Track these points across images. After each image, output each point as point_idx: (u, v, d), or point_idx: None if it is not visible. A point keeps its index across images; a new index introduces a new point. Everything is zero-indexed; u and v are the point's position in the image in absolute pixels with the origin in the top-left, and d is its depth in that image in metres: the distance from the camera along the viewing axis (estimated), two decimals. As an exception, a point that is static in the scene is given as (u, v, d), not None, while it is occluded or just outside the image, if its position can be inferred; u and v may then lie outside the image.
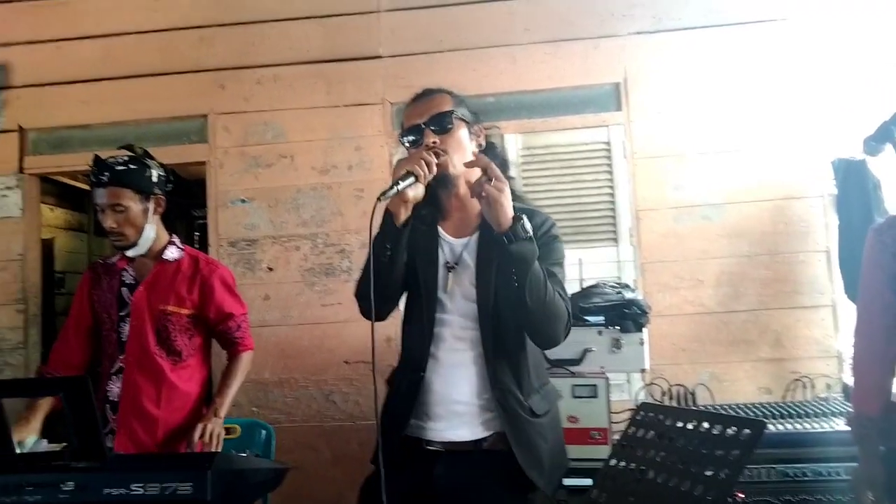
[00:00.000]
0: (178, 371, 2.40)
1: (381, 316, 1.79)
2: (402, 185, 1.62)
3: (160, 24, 3.98)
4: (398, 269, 1.76)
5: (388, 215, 1.70)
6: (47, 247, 5.23)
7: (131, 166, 2.33)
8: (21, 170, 4.00)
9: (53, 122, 4.02)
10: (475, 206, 1.79)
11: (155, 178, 2.39)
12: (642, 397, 3.13)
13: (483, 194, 1.61)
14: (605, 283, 2.87)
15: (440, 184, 1.77)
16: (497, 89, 3.79)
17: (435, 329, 1.82)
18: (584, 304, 2.76)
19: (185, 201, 5.04)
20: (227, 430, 2.88)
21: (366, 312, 1.73)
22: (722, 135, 3.65)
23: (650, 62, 3.72)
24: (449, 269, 1.83)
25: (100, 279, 2.47)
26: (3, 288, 3.92)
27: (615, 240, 3.66)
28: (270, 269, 3.78)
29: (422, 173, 1.64)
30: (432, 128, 1.78)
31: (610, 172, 3.70)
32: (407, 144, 1.84)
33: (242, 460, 1.97)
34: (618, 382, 3.33)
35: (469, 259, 1.82)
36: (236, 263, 3.80)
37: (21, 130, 4.02)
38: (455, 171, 1.77)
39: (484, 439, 1.78)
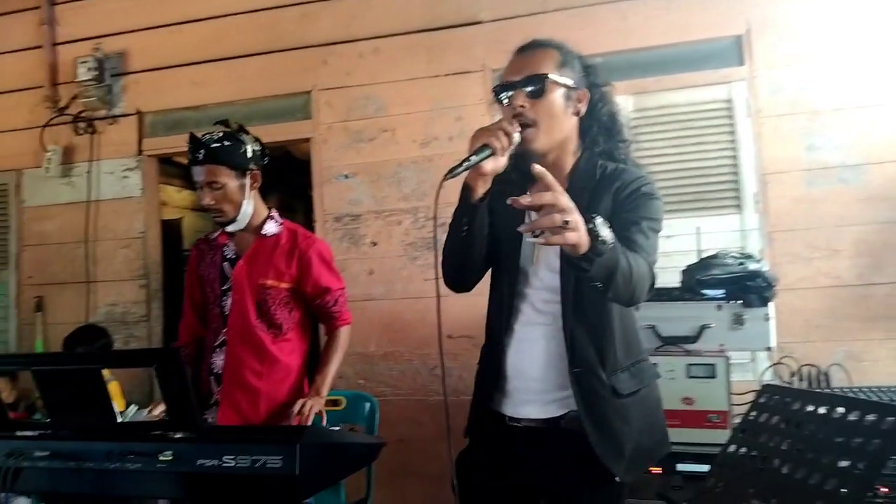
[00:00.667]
0: (279, 344, 2.41)
1: (467, 286, 1.75)
2: (473, 160, 1.49)
3: (266, 3, 4.02)
4: (478, 243, 1.64)
5: (466, 189, 1.58)
6: (175, 226, 5.51)
7: (226, 143, 2.33)
8: (140, 152, 4.18)
9: (168, 104, 4.17)
10: (562, 171, 1.67)
11: (250, 154, 2.38)
12: (768, 378, 2.85)
13: (543, 242, 1.35)
14: (725, 253, 2.62)
15: (521, 159, 1.59)
16: (606, 48, 3.53)
17: (514, 302, 1.72)
18: (702, 277, 2.53)
19: (301, 181, 5.18)
20: (335, 402, 2.95)
21: (450, 284, 1.72)
22: (861, 87, 3.24)
23: (776, 9, 3.36)
24: (536, 235, 1.64)
25: (204, 255, 2.52)
26: (128, 265, 4.13)
27: (738, 206, 3.36)
28: (374, 244, 3.76)
29: (499, 146, 1.50)
30: (525, 90, 1.62)
31: (732, 133, 3.39)
32: (497, 101, 1.70)
33: (334, 434, 1.93)
34: (741, 361, 3.06)
35: None
36: (341, 238, 3.81)
37: (139, 114, 4.20)
38: (541, 146, 1.62)
39: (560, 418, 1.67)
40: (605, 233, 1.35)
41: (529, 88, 1.62)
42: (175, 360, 1.70)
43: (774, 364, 2.83)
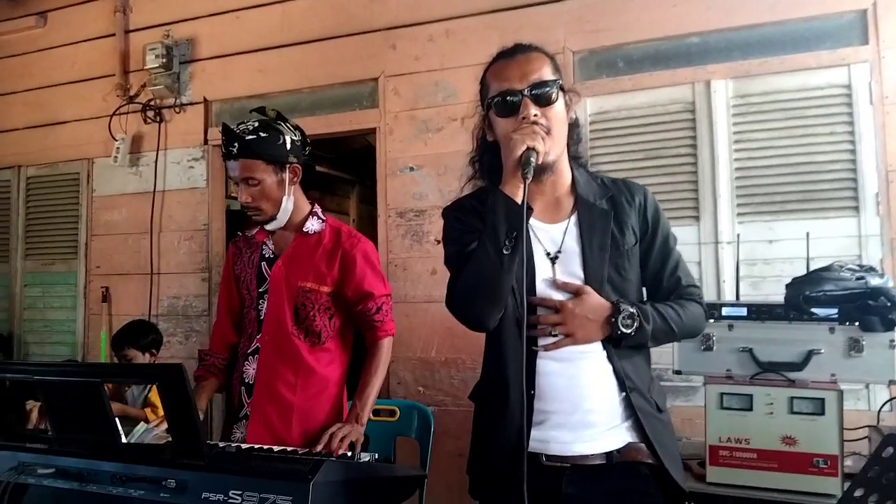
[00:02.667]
0: (317, 354, 2.17)
1: (491, 322, 1.53)
2: (532, 161, 1.41)
3: (333, -15, 3.81)
4: (517, 265, 1.45)
5: (506, 198, 1.44)
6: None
7: (262, 134, 2.09)
8: (206, 141, 4.07)
9: (234, 92, 4.04)
10: (565, 182, 1.62)
11: (289, 146, 2.14)
12: (888, 413, 2.41)
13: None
14: (841, 265, 2.20)
15: (537, 172, 1.47)
16: (704, 27, 3.14)
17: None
18: (812, 293, 2.12)
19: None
20: (389, 413, 2.76)
21: (473, 320, 1.54)
22: None
23: (911, -22, 2.86)
24: (553, 259, 1.57)
25: (242, 253, 2.31)
26: (191, 257, 4.03)
27: (856, 208, 2.89)
28: (438, 242, 3.49)
29: (542, 150, 1.44)
30: (536, 99, 1.49)
31: (850, 123, 2.91)
32: (500, 112, 1.53)
33: (360, 468, 1.66)
34: (853, 388, 2.62)
35: (574, 244, 1.57)
36: (404, 235, 3.56)
37: (206, 102, 4.09)
38: (555, 157, 1.53)
39: (618, 451, 1.53)
40: (627, 316, 1.50)
41: (540, 97, 1.50)
42: (179, 378, 1.49)
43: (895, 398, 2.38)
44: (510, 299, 1.55)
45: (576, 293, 1.52)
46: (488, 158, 1.65)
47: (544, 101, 1.49)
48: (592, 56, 3.34)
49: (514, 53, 1.59)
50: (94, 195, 4.35)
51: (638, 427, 1.53)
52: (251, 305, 2.22)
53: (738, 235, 2.87)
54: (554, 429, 1.53)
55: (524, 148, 1.41)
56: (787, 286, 2.25)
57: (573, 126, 1.64)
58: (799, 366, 2.12)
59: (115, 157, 4.16)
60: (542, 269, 1.57)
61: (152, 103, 4.18)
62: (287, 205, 2.17)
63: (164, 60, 4.03)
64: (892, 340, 2.06)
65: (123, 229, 4.24)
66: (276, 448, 1.90)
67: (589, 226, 1.58)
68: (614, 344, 1.52)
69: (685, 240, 3.08)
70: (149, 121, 4.19)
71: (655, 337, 1.55)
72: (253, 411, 2.14)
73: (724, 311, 2.24)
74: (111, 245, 4.28)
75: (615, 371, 1.53)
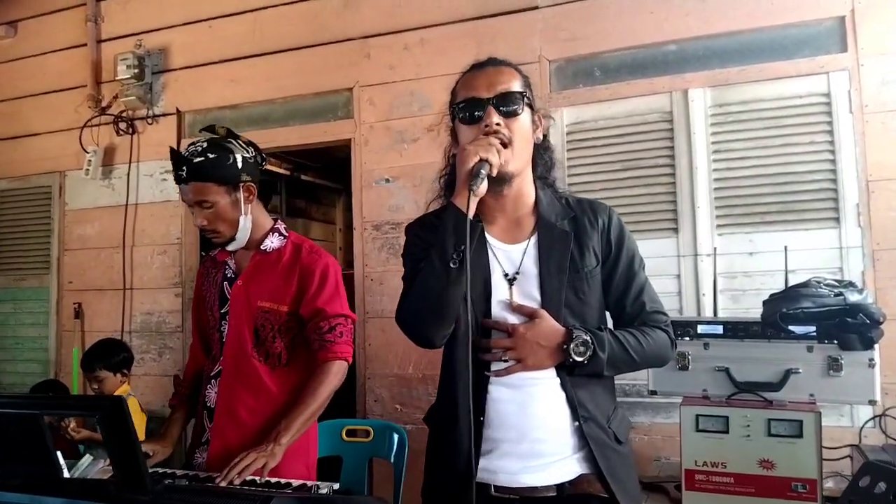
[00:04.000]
0: (278, 376, 2.10)
1: (438, 340, 1.51)
2: (483, 174, 1.37)
3: (306, -8, 3.75)
4: (465, 280, 1.39)
5: (456, 211, 1.41)
6: None
7: (209, 155, 2.00)
8: (179, 153, 3.98)
9: (207, 103, 3.97)
10: (527, 201, 1.58)
11: (240, 164, 2.06)
12: (870, 431, 2.34)
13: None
14: (819, 281, 2.13)
15: (495, 181, 1.47)
16: (681, 34, 3.09)
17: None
18: (789, 310, 2.06)
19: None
20: (365, 433, 2.69)
21: (420, 336, 1.50)
22: None
23: (890, -16, 2.81)
24: (511, 280, 1.53)
25: (208, 274, 2.24)
26: (164, 271, 3.96)
27: (837, 219, 2.83)
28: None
29: (496, 162, 1.40)
30: (500, 108, 1.47)
31: (830, 133, 2.86)
32: (463, 119, 1.51)
33: (314, 502, 1.59)
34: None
35: (532, 265, 1.53)
36: (381, 248, 3.49)
37: (178, 113, 4.01)
38: (514, 169, 1.49)
39: (569, 482, 1.48)
40: (580, 344, 1.45)
41: (504, 107, 1.48)
42: (119, 412, 1.41)
43: (879, 416, 2.31)
44: (463, 320, 1.50)
45: (530, 317, 1.47)
46: (451, 174, 1.62)
47: (508, 112, 1.47)
48: (569, 65, 3.27)
49: (485, 65, 1.57)
50: (67, 209, 4.26)
51: (591, 458, 1.47)
52: (214, 327, 2.15)
53: (716, 248, 2.81)
54: (502, 458, 1.48)
55: (476, 159, 1.38)
56: (764, 303, 2.19)
57: (542, 147, 1.63)
58: (777, 386, 2.06)
59: (87, 169, 4.07)
60: (500, 291, 1.53)
61: (124, 115, 4.10)
62: (245, 224, 2.09)
63: (135, 71, 3.95)
64: (871, 359, 2.00)
65: (96, 243, 4.15)
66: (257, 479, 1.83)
67: (548, 247, 1.54)
68: (567, 371, 1.47)
69: (664, 252, 3.02)
70: (121, 132, 4.11)
71: (614, 365, 1.50)
72: (213, 436, 2.07)
73: (700, 328, 2.17)
74: (84, 260, 4.19)
75: (568, 399, 1.48)
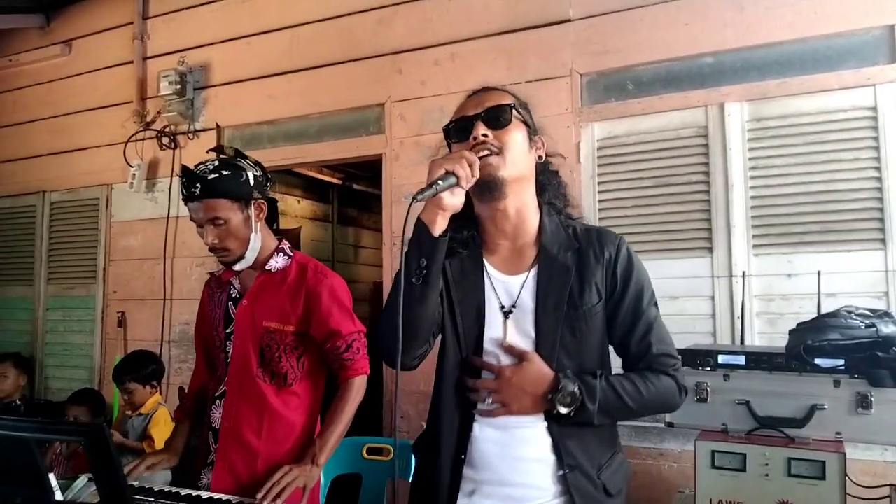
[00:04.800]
0: (284, 397, 2.09)
1: (407, 362, 1.45)
2: (442, 184, 1.29)
3: (341, 10, 3.77)
4: (432, 299, 1.38)
5: (421, 225, 1.35)
6: (295, 235, 5.52)
7: (223, 172, 2.02)
8: (216, 168, 4.06)
9: (245, 118, 4.03)
10: (530, 229, 1.52)
11: (252, 182, 2.07)
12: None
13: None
14: (850, 311, 1.99)
15: (485, 189, 1.43)
16: (718, 47, 2.97)
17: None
18: (815, 342, 1.93)
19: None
20: (378, 451, 2.66)
21: (387, 355, 1.43)
22: None
23: (942, -10, 2.64)
24: (507, 313, 1.45)
25: (213, 294, 2.25)
26: (201, 283, 3.85)
27: (883, 241, 2.66)
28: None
29: (464, 174, 1.31)
30: (488, 121, 1.44)
31: (876, 149, 2.69)
32: (454, 138, 1.49)
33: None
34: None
35: (529, 300, 1.45)
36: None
37: (218, 128, 4.08)
38: (507, 175, 1.43)
39: None
40: (566, 402, 1.37)
41: (491, 119, 1.44)
42: (101, 438, 1.42)
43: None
44: (452, 354, 1.47)
45: (519, 358, 1.41)
46: None
47: (496, 123, 1.43)
48: (601, 78, 3.19)
49: (478, 92, 1.55)
50: (113, 220, 4.40)
51: None
52: (220, 347, 2.16)
53: (743, 272, 2.68)
54: (483, 499, 1.42)
55: (441, 172, 1.30)
56: (790, 332, 2.06)
57: (548, 172, 1.57)
58: (800, 422, 1.93)
59: (132, 182, 4.19)
60: (494, 324, 1.46)
61: (167, 129, 4.20)
62: (255, 243, 2.10)
63: (177, 87, 4.04)
64: (906, 397, 1.86)
65: (139, 255, 4.27)
66: (233, 499, 1.83)
67: (547, 281, 1.46)
68: (555, 420, 1.39)
69: (697, 273, 2.90)
70: (164, 147, 4.22)
71: (607, 414, 1.41)
72: (218, 457, 2.07)
73: (721, 358, 2.06)
74: (128, 270, 4.31)
75: (554, 446, 1.40)
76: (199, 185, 2.01)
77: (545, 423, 1.41)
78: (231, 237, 2.06)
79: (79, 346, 4.47)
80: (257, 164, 2.14)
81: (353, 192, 6.49)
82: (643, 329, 1.47)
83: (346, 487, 2.69)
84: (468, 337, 1.46)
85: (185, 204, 2.07)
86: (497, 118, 1.44)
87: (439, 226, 1.34)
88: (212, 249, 2.08)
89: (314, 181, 5.97)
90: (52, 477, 1.57)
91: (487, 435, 1.43)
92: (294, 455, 2.07)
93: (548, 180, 1.57)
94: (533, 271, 1.47)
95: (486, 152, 1.40)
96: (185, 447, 2.25)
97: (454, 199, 1.33)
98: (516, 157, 1.44)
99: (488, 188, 1.42)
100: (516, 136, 1.45)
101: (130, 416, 3.31)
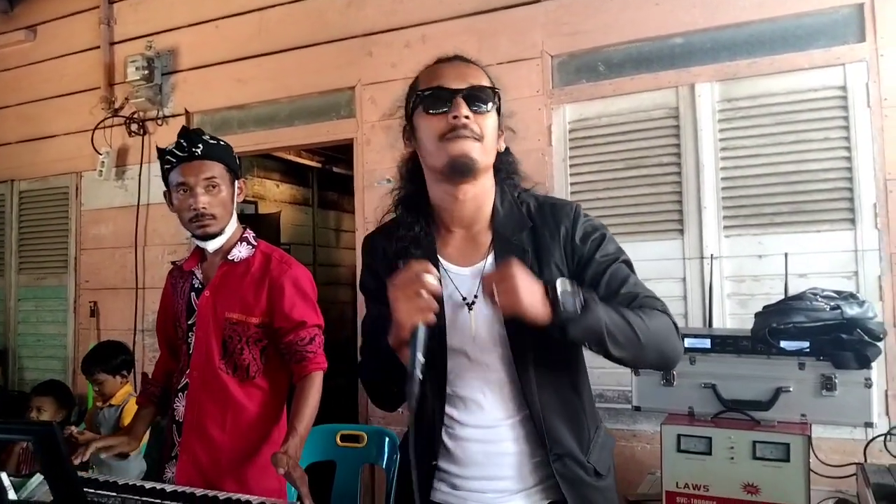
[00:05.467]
0: (247, 389, 2.06)
1: (395, 406, 1.43)
2: (419, 356, 1.15)
3: (310, -10, 3.70)
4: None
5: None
6: (275, 220, 5.49)
7: (221, 143, 2.07)
8: (188, 154, 4.00)
9: (214, 103, 3.97)
10: (485, 212, 1.42)
11: (238, 161, 2.12)
12: (877, 452, 2.19)
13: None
14: (815, 293, 1.99)
15: (456, 172, 1.32)
16: (688, 27, 2.94)
17: (453, 389, 1.38)
18: (780, 324, 1.93)
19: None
20: (355, 438, 2.67)
21: (377, 403, 1.46)
22: None
23: (911, -33, 2.62)
24: (468, 306, 1.36)
25: (175, 284, 2.22)
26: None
27: (852, 220, 2.66)
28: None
29: (430, 317, 1.18)
30: (471, 102, 1.32)
31: (846, 128, 2.68)
32: (427, 107, 1.34)
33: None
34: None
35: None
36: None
37: (187, 114, 4.01)
38: (481, 165, 1.33)
39: None
40: (568, 298, 1.21)
41: (476, 101, 1.32)
42: (51, 437, 1.39)
43: (883, 435, 2.15)
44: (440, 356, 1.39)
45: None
46: (405, 187, 1.51)
47: (478, 106, 1.32)
48: (572, 60, 3.15)
49: (452, 59, 1.44)
50: (83, 209, 4.33)
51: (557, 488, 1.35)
52: (182, 338, 2.13)
53: (712, 255, 2.68)
54: (466, 493, 1.39)
55: (409, 327, 1.17)
56: (756, 315, 2.06)
57: (505, 157, 1.46)
58: (766, 405, 1.93)
59: (101, 170, 4.12)
60: (459, 320, 1.38)
61: (135, 116, 4.13)
62: (234, 220, 2.09)
63: (145, 72, 3.97)
64: (868, 378, 1.86)
65: (111, 243, 4.21)
66: (197, 492, 1.81)
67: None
68: (559, 332, 1.21)
69: (669, 255, 2.90)
70: (133, 134, 4.14)
71: (615, 337, 1.23)
72: (182, 451, 2.05)
73: (687, 342, 2.05)
74: (99, 259, 4.26)
75: (538, 434, 1.34)
76: (201, 145, 2.00)
77: (526, 411, 1.35)
78: (220, 205, 2.03)
79: (52, 337, 4.42)
80: None
81: (332, 175, 6.43)
82: (619, 282, 1.35)
83: (320, 475, 2.69)
84: (431, 337, 1.32)
85: (170, 170, 2.02)
86: (481, 100, 1.33)
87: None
88: (198, 217, 2.00)
89: (293, 165, 5.92)
90: (3, 476, 1.55)
91: (469, 433, 1.38)
92: (261, 448, 2.05)
93: (502, 161, 1.45)
94: (490, 258, 1.39)
95: (467, 135, 1.30)
96: (145, 432, 2.22)
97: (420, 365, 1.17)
98: (492, 145, 1.36)
99: (460, 171, 1.32)
100: (494, 121, 1.36)
101: (101, 407, 3.27)
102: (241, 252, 2.10)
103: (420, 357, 1.15)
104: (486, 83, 1.36)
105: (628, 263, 1.40)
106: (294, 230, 6.11)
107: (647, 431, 2.83)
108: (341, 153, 6.08)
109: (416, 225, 1.41)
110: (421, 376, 1.14)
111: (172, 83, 4.07)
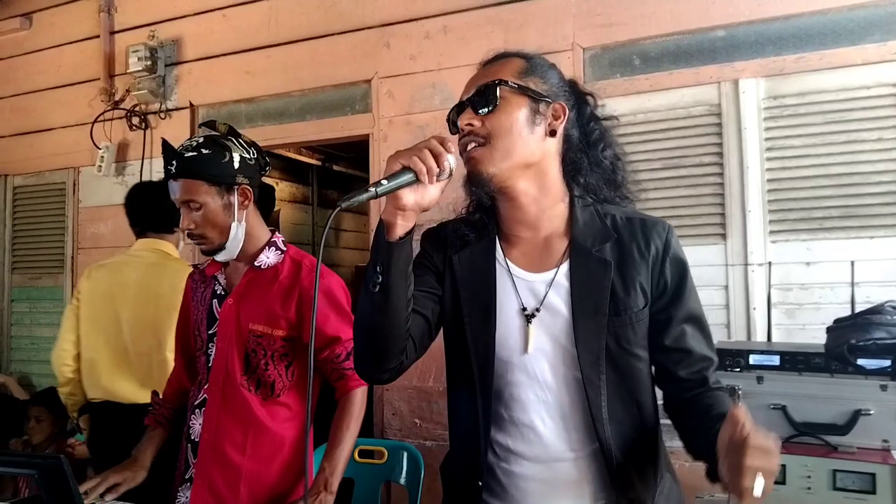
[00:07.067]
0: (271, 408, 1.87)
1: (383, 372, 1.25)
2: (385, 185, 1.08)
3: (324, -23, 3.52)
4: (395, 309, 1.16)
5: (380, 226, 1.15)
6: (274, 218, 5.26)
7: (203, 151, 1.80)
8: (191, 150, 3.81)
9: (220, 96, 3.78)
10: (555, 218, 1.29)
11: (237, 164, 1.84)
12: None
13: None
14: (894, 306, 1.83)
15: (475, 185, 1.24)
16: (730, 19, 2.77)
17: (498, 410, 1.26)
18: (858, 341, 1.76)
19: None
20: (372, 454, 2.49)
21: (360, 369, 1.30)
22: None
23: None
24: (528, 317, 1.24)
25: (196, 289, 2.03)
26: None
27: (908, 226, 2.50)
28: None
29: (423, 169, 1.09)
30: (476, 106, 1.25)
31: (903, 127, 2.53)
32: (452, 132, 1.30)
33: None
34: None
35: (560, 302, 1.23)
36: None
37: (192, 107, 3.82)
38: (495, 170, 1.22)
39: None
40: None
41: (479, 102, 1.24)
42: (58, 471, 1.21)
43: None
44: (460, 369, 1.29)
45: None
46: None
47: (482, 106, 1.23)
48: (605, 53, 2.98)
49: (487, 64, 1.35)
50: (81, 206, 4.13)
51: None
52: (201, 349, 1.94)
53: (770, 262, 2.51)
54: None
55: (396, 167, 1.11)
56: (829, 330, 1.89)
57: (573, 147, 1.30)
58: (843, 429, 1.76)
59: (100, 166, 3.92)
60: (510, 330, 1.25)
61: (137, 109, 3.93)
62: (237, 233, 1.87)
63: (147, 63, 3.77)
64: (958, 402, 1.70)
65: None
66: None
67: (582, 280, 1.24)
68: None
69: (710, 261, 2.73)
70: (134, 128, 3.94)
71: None
72: (197, 474, 1.86)
73: (752, 358, 1.88)
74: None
75: (608, 479, 1.20)
76: (175, 162, 1.79)
77: (596, 446, 1.20)
78: (208, 224, 1.83)
79: (47, 340, 4.18)
80: (252, 145, 1.92)
81: (332, 173, 6.26)
82: (697, 346, 1.25)
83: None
84: (478, 344, 1.26)
85: (166, 181, 1.85)
86: (484, 101, 1.24)
87: (400, 227, 1.12)
88: (189, 235, 1.86)
89: (293, 163, 5.74)
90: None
91: (525, 469, 1.24)
92: (282, 473, 1.87)
93: (582, 157, 1.31)
94: (564, 267, 1.26)
95: (473, 144, 1.23)
96: (153, 461, 2.03)
97: (421, 197, 1.12)
98: (509, 145, 1.22)
99: (477, 184, 1.23)
100: (509, 117, 1.23)
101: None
102: (268, 258, 1.91)
103: (385, 182, 1.08)
104: (497, 78, 1.25)
105: (703, 323, 1.28)
106: (293, 229, 5.94)
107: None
108: (343, 150, 5.93)
109: (478, 212, 1.33)
110: (375, 193, 1.05)
111: (176, 75, 3.87)
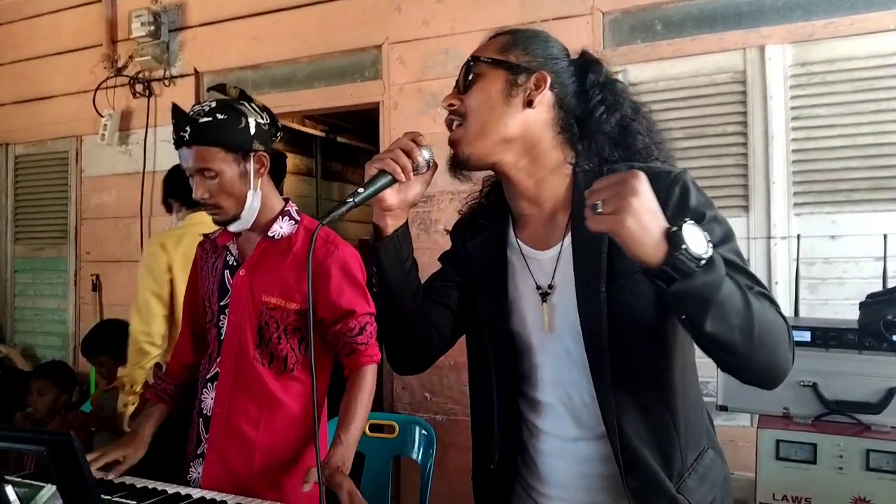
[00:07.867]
0: (284, 382, 1.81)
1: (410, 364, 1.33)
2: (363, 193, 1.11)
3: (333, -61, 3.40)
4: (401, 304, 1.21)
5: (373, 229, 1.20)
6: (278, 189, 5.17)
7: (219, 116, 1.71)
8: (196, 117, 3.73)
9: (226, 63, 3.68)
10: (556, 190, 1.22)
11: (253, 130, 1.75)
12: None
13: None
14: (931, 280, 1.76)
15: (456, 167, 1.22)
16: (756, -17, 2.67)
17: (533, 392, 1.25)
18: (893, 316, 1.69)
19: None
20: (382, 428, 2.45)
21: (392, 362, 1.32)
22: None
23: None
24: (543, 295, 1.21)
25: (207, 259, 1.95)
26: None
27: (947, 198, 2.43)
28: (448, 232, 3.10)
29: (397, 168, 1.12)
30: (458, 87, 1.23)
31: (935, 97, 2.44)
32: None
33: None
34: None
35: (566, 276, 1.18)
36: (411, 223, 3.17)
37: (197, 74, 3.73)
38: (470, 150, 1.18)
39: None
40: (697, 243, 0.90)
41: (461, 81, 1.22)
42: (68, 448, 1.15)
43: None
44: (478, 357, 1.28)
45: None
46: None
47: (463, 86, 1.22)
48: (625, 17, 2.88)
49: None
50: (84, 175, 4.06)
51: None
52: (212, 321, 1.87)
53: (798, 235, 2.42)
54: None
55: (373, 172, 1.13)
56: (862, 306, 1.82)
57: (568, 115, 1.21)
58: (876, 407, 1.70)
59: (103, 134, 3.84)
60: (529, 311, 1.23)
61: (140, 76, 3.84)
62: (253, 202, 1.79)
63: (151, 28, 3.67)
64: None
65: (114, 213, 3.94)
66: (228, 499, 1.58)
67: (581, 249, 1.16)
68: (665, 281, 0.92)
69: (731, 233, 2.65)
70: (138, 95, 3.86)
71: (724, 309, 0.94)
72: (210, 449, 1.80)
73: (780, 334, 1.81)
74: (101, 229, 3.99)
75: (615, 452, 1.14)
76: (188, 128, 1.70)
77: (606, 426, 1.14)
78: (224, 193, 1.75)
79: (51, 311, 4.17)
80: (265, 109, 1.83)
81: (337, 144, 6.16)
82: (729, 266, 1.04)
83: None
84: (494, 330, 1.24)
85: (176, 149, 1.77)
86: (464, 80, 1.22)
87: (391, 227, 1.17)
88: (203, 205, 1.78)
89: (297, 133, 5.62)
90: (9, 490, 1.32)
91: (552, 447, 1.21)
92: (297, 447, 1.81)
93: (574, 124, 1.21)
94: (567, 240, 1.19)
95: (456, 124, 1.21)
96: (152, 435, 1.96)
97: (405, 195, 1.16)
98: (483, 121, 1.18)
99: (457, 166, 1.22)
100: (482, 93, 1.18)
101: (107, 389, 3.04)
102: (282, 228, 1.83)
103: (361, 190, 1.11)
104: (485, 53, 1.21)
105: (730, 239, 1.09)
106: (297, 201, 5.70)
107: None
108: (348, 121, 5.81)
109: (491, 195, 1.33)
110: (354, 203, 1.08)
111: (181, 40, 3.77)
